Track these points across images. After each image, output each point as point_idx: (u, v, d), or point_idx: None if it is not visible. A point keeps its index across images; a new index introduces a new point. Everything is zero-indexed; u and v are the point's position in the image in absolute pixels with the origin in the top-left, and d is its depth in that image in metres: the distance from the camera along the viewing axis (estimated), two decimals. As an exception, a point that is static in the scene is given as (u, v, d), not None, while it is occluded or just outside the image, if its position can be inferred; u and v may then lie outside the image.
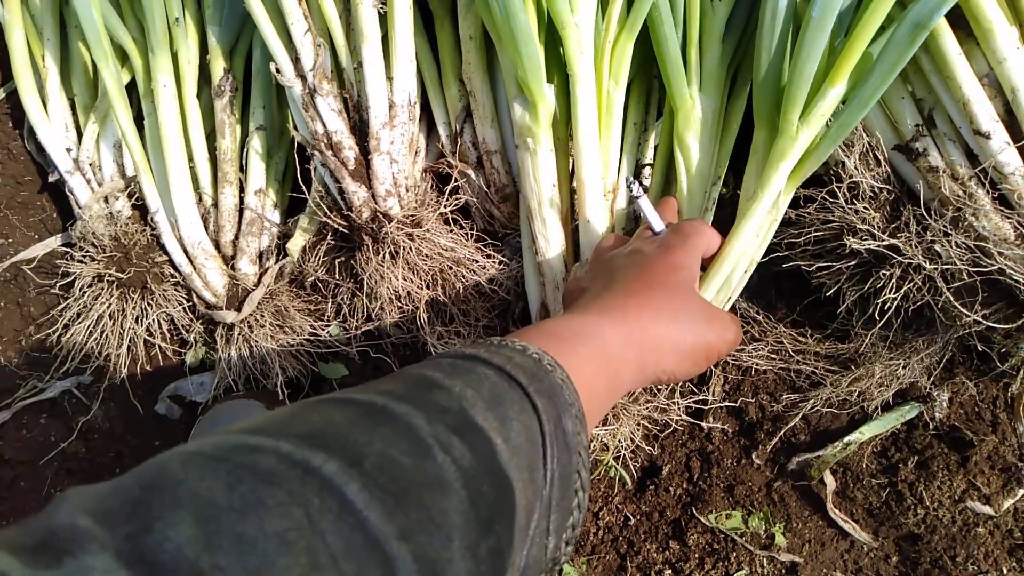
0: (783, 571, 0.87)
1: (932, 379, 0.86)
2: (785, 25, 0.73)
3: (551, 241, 0.77)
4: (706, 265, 0.75)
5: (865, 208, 0.77)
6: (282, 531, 0.29)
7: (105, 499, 0.29)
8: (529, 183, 0.77)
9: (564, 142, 0.82)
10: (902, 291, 0.77)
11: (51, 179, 0.90)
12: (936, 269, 0.74)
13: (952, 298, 0.74)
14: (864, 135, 0.78)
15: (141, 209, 0.88)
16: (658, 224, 0.71)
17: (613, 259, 0.68)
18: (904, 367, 0.84)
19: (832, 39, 0.70)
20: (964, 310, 0.75)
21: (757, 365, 0.89)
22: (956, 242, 0.74)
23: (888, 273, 0.77)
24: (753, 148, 0.78)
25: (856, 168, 0.78)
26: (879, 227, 0.77)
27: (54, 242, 0.94)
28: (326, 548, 0.30)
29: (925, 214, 0.75)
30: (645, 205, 0.71)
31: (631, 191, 0.70)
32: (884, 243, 0.76)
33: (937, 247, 0.74)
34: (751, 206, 0.74)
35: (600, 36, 0.75)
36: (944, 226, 0.74)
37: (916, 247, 0.75)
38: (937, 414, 0.86)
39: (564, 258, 0.79)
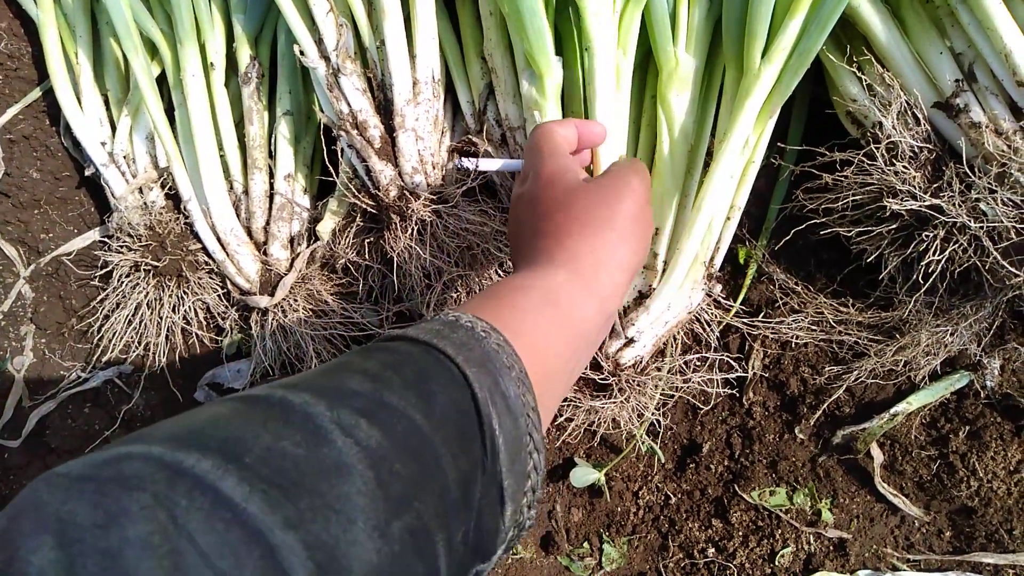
0: (831, 548, 0.84)
1: (982, 346, 0.82)
2: None
3: None
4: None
5: (905, 168, 0.74)
6: (144, 536, 0.28)
7: None
8: None
9: (577, 116, 0.81)
10: (947, 253, 0.74)
11: (87, 173, 0.92)
12: (982, 228, 0.71)
13: (1000, 258, 0.71)
14: (901, 93, 0.75)
15: (174, 198, 0.89)
16: (512, 164, 0.70)
17: (512, 220, 0.65)
18: (952, 334, 0.81)
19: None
20: (1014, 270, 0.71)
21: (797, 337, 0.87)
22: (1002, 199, 0.71)
23: (932, 235, 0.74)
24: (724, 90, 0.78)
25: (894, 128, 0.75)
26: (920, 187, 0.74)
27: (93, 235, 0.96)
28: (193, 547, 0.29)
29: (968, 172, 0.73)
30: (487, 163, 0.70)
31: (466, 167, 0.71)
32: (926, 203, 0.73)
33: (982, 205, 0.72)
34: (722, 147, 0.73)
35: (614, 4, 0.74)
36: (989, 183, 0.71)
37: (960, 206, 0.72)
38: (988, 382, 0.83)
39: None
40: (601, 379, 0.75)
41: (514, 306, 0.50)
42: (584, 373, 0.77)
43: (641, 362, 0.77)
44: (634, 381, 0.79)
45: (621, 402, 0.77)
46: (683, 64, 0.76)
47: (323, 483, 0.33)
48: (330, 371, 0.41)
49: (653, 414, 0.81)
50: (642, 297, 0.80)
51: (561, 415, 0.81)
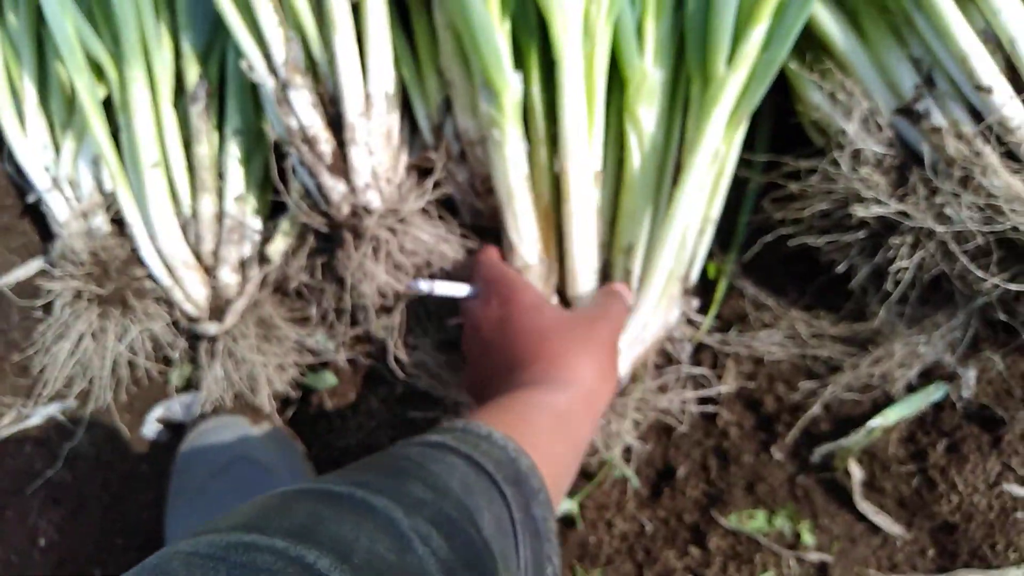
0: (812, 571, 0.81)
1: (957, 356, 0.81)
2: None
3: (523, 236, 0.74)
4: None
5: (869, 174, 0.73)
6: None
7: None
8: (497, 177, 0.75)
9: (547, 132, 0.79)
10: (915, 259, 0.72)
11: (30, 200, 0.88)
12: (948, 232, 0.70)
13: (967, 262, 0.70)
14: (863, 100, 0.75)
15: (120, 224, 0.85)
16: (465, 289, 0.73)
17: (478, 342, 0.69)
18: (926, 343, 0.79)
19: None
20: (981, 273, 0.70)
21: (771, 353, 0.85)
22: (966, 203, 0.70)
23: (899, 241, 0.73)
24: (690, 102, 0.76)
25: (857, 134, 0.74)
26: (886, 193, 0.73)
27: (36, 264, 0.91)
28: None
29: (932, 176, 0.72)
30: (441, 287, 0.72)
31: (423, 290, 0.71)
32: (892, 209, 0.72)
33: (947, 210, 0.70)
34: (691, 159, 0.72)
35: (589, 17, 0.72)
36: (953, 187, 0.70)
37: (926, 211, 0.71)
38: (964, 393, 0.81)
39: (540, 254, 0.75)
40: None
41: (532, 424, 0.54)
42: None
43: (619, 384, 0.74)
44: (616, 405, 0.76)
45: (602, 427, 0.74)
46: (650, 76, 0.75)
47: None
48: (390, 472, 0.43)
49: (628, 436, 0.77)
50: (617, 317, 0.77)
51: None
